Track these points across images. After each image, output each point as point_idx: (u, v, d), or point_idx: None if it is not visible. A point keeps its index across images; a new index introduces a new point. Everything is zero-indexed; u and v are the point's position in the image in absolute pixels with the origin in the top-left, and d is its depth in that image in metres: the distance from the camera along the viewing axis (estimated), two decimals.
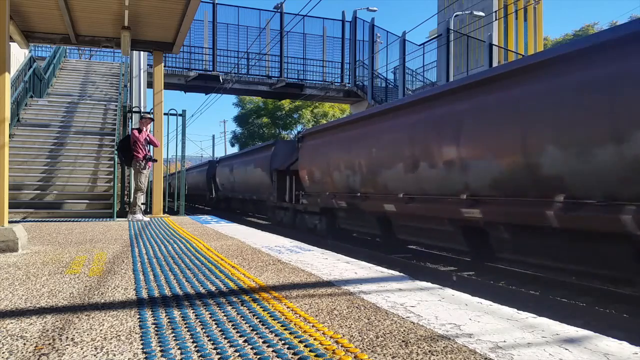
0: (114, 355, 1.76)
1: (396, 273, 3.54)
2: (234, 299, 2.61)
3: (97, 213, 9.16)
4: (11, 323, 2.14)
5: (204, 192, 23.48)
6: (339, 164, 9.53)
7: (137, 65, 12.02)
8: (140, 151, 8.63)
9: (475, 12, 21.15)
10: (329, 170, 9.94)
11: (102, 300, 2.58)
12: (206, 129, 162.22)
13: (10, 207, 5.54)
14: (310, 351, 1.81)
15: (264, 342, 1.91)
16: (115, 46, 8.89)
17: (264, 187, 14.36)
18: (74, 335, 1.98)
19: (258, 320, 2.22)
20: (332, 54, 23.41)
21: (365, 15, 33.61)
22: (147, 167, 8.76)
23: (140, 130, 8.75)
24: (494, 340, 1.96)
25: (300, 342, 1.92)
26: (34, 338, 1.94)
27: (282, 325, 2.14)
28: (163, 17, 7.83)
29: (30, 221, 8.01)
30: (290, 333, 2.03)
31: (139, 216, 8.45)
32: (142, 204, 8.78)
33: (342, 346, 1.88)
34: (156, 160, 9.17)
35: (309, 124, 35.88)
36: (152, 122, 9.18)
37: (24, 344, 1.87)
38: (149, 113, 9.60)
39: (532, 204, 5.25)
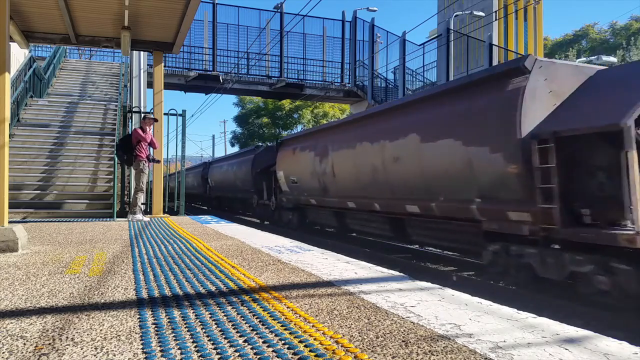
0: (114, 355, 1.76)
1: (396, 273, 3.54)
2: (234, 299, 2.61)
3: (97, 213, 9.16)
4: (11, 323, 2.14)
5: (246, 194, 15.77)
6: None
7: (137, 65, 12.01)
8: (143, 151, 8.65)
9: (475, 12, 21.15)
10: None
11: (102, 300, 2.58)
12: (206, 129, 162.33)
13: (10, 207, 5.54)
14: (310, 351, 1.81)
15: (264, 342, 1.91)
16: (115, 46, 8.88)
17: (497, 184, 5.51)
18: (74, 335, 1.98)
19: (258, 320, 2.22)
20: (332, 54, 23.42)
21: (365, 15, 33.59)
22: (148, 167, 8.79)
23: (144, 130, 8.74)
24: (494, 340, 1.96)
25: (300, 342, 1.92)
26: (34, 338, 1.94)
27: (282, 325, 2.14)
28: (163, 17, 7.83)
29: (30, 221, 8.01)
30: (290, 333, 2.03)
31: (139, 216, 8.45)
32: (142, 204, 8.77)
33: (342, 346, 1.88)
34: (159, 161, 9.22)
35: (309, 124, 35.90)
36: (154, 123, 9.15)
37: (24, 344, 1.87)
38: (150, 113, 9.59)
39: None
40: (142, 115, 9.78)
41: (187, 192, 25.51)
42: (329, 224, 11.11)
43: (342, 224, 10.30)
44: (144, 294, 2.73)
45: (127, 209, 9.08)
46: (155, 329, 2.07)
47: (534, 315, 2.35)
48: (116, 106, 12.81)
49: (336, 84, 23.10)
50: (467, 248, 6.76)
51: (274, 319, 2.23)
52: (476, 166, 5.71)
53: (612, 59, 19.59)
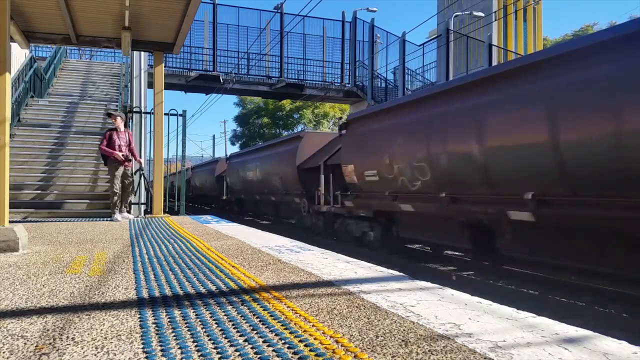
0: (115, 354, 1.76)
1: (396, 273, 3.55)
2: (235, 299, 2.62)
3: (97, 213, 9.16)
4: (12, 323, 2.15)
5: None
6: None
7: (137, 65, 12.01)
8: (116, 154, 8.28)
9: (474, 13, 21.15)
10: None
11: (103, 300, 2.58)
12: (206, 129, 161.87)
13: (10, 207, 5.54)
14: (310, 350, 1.82)
15: (264, 342, 1.91)
16: (116, 46, 8.88)
17: None
18: (74, 334, 1.99)
19: (258, 319, 2.23)
20: (332, 54, 23.41)
21: (365, 16, 33.52)
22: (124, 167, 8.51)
23: (116, 130, 8.39)
24: (494, 339, 1.96)
25: (300, 341, 1.92)
26: (35, 338, 1.94)
27: (282, 325, 2.14)
28: (163, 17, 7.83)
29: (30, 221, 8.01)
30: (290, 332, 2.03)
31: (131, 215, 8.40)
32: (143, 203, 8.76)
33: (342, 345, 1.88)
34: (130, 160, 8.70)
35: (309, 124, 35.90)
36: (117, 119, 8.55)
37: (25, 343, 1.87)
38: (150, 113, 9.51)
39: None
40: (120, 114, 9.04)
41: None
42: None
43: None
44: (145, 294, 2.73)
45: (126, 209, 9.02)
46: (156, 328, 2.08)
47: (534, 315, 2.36)
48: (116, 106, 12.82)
49: (336, 84, 23.10)
50: None
51: (274, 319, 2.24)
52: None
53: None
